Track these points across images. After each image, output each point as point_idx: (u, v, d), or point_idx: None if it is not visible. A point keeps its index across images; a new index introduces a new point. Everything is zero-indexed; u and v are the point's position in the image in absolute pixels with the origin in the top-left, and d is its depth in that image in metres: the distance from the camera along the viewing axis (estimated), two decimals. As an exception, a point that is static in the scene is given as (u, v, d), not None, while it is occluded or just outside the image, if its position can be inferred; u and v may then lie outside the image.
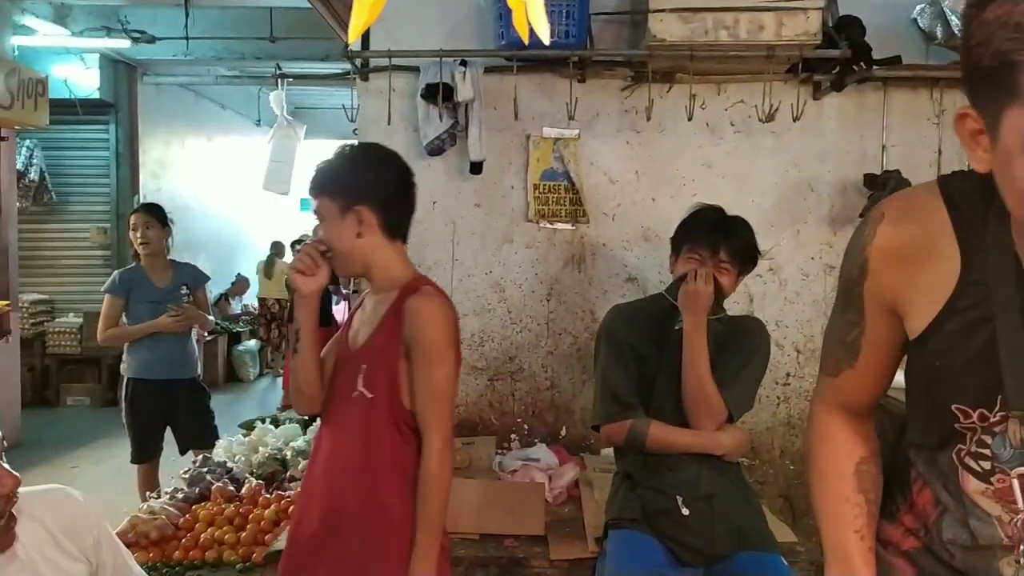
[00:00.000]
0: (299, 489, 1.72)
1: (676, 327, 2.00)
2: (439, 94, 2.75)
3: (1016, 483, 0.93)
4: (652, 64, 2.69)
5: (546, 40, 0.69)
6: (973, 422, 0.95)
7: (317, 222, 1.66)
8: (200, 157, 8.82)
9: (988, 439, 0.95)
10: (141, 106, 7.51)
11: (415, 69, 2.87)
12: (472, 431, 2.96)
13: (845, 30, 2.66)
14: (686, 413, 1.97)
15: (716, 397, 1.94)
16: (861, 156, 2.92)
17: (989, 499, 0.97)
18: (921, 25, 2.72)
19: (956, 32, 2.56)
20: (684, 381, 1.95)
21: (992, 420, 0.94)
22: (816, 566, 2.08)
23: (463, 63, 2.77)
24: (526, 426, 2.99)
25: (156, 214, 3.58)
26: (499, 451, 2.82)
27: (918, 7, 2.73)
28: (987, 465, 0.96)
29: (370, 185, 1.60)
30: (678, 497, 1.93)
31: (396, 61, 2.79)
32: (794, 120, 2.76)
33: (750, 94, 2.88)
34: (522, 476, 2.51)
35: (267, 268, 9.02)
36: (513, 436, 2.95)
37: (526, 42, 0.72)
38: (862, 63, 2.66)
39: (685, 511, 1.91)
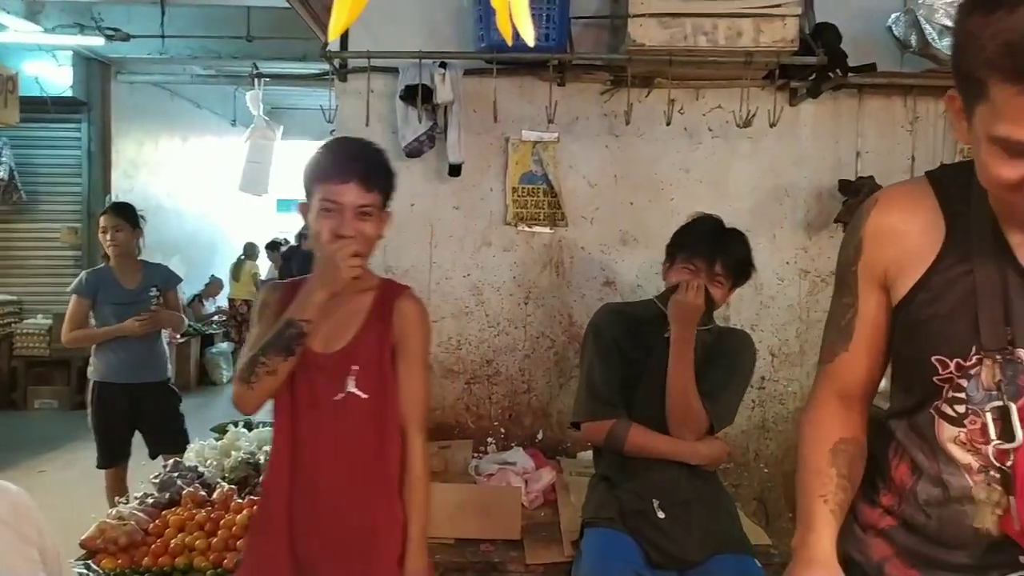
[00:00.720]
0: (268, 498, 1.63)
1: (665, 335, 1.99)
2: (418, 96, 2.73)
3: (989, 415, 1.01)
4: (631, 68, 2.70)
5: (531, 42, 0.68)
6: (950, 372, 1.04)
7: (329, 208, 1.53)
8: (174, 157, 8.71)
9: (964, 382, 1.03)
10: (114, 104, 7.39)
11: (394, 70, 2.85)
12: (448, 435, 2.95)
13: (821, 37, 2.68)
14: (668, 422, 1.97)
15: (699, 409, 1.95)
16: (836, 162, 2.95)
17: (960, 446, 1.05)
18: (896, 33, 2.75)
19: (930, 40, 2.60)
20: (668, 391, 1.95)
21: (967, 365, 1.03)
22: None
23: (442, 65, 2.76)
24: (503, 430, 2.98)
25: (126, 216, 3.51)
26: (475, 455, 2.80)
27: (893, 15, 2.77)
28: (961, 409, 1.04)
29: (395, 186, 1.64)
30: (654, 500, 1.94)
31: (375, 62, 2.77)
32: (771, 126, 2.78)
33: (728, 99, 2.90)
34: (498, 480, 2.50)
35: (235, 270, 8.93)
36: (490, 440, 2.94)
37: (510, 43, 0.71)
38: (838, 70, 2.68)
39: (661, 514, 1.93)
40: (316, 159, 1.59)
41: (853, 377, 1.20)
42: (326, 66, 2.93)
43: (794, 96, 2.91)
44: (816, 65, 2.67)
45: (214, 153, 9.51)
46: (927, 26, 2.59)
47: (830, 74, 2.68)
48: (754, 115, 2.73)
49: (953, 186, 1.08)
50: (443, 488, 2.35)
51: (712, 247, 2.01)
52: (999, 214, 1.03)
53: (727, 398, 2.02)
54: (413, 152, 2.84)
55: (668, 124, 2.78)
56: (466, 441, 2.88)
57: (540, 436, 2.98)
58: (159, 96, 8.27)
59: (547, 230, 2.98)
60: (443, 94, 2.74)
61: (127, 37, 6.35)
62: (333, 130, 3.00)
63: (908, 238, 1.08)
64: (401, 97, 2.81)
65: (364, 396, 1.56)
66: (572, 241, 2.98)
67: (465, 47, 2.85)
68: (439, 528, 2.17)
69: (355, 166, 1.54)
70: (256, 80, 3.18)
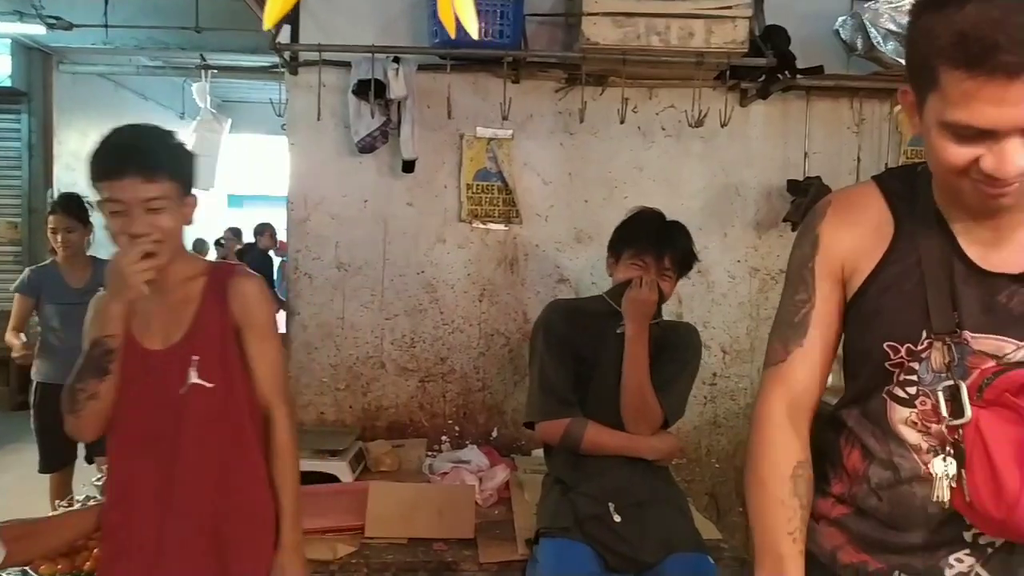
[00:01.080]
0: (114, 508, 1.56)
1: (617, 331, 2.01)
2: (371, 91, 2.70)
3: (941, 395, 1.06)
4: (585, 67, 2.71)
5: (474, 35, 0.68)
6: (901, 357, 1.09)
7: (116, 209, 1.41)
8: (120, 150, 8.46)
9: (915, 365, 1.09)
10: (56, 95, 7.14)
11: (346, 64, 2.81)
12: (402, 433, 2.92)
13: (771, 39, 2.73)
14: (623, 417, 1.98)
15: (654, 403, 1.97)
16: (784, 162, 3.00)
17: (911, 427, 1.10)
18: (843, 36, 2.81)
19: (875, 44, 2.66)
20: (624, 386, 1.96)
21: (918, 350, 1.08)
22: (739, 562, 2.13)
23: (396, 60, 2.73)
24: (457, 428, 2.97)
25: (77, 214, 3.39)
26: (429, 453, 2.79)
27: (840, 19, 2.83)
28: (912, 391, 1.10)
29: (194, 167, 1.55)
30: (610, 504, 1.94)
31: (326, 55, 2.73)
32: (722, 126, 2.82)
33: (680, 99, 2.93)
34: (452, 478, 2.49)
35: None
36: (444, 438, 2.93)
37: (452, 35, 0.70)
38: (786, 72, 2.73)
39: (617, 518, 1.93)
40: (92, 154, 1.45)
41: (804, 375, 1.18)
42: (277, 59, 2.87)
43: (745, 97, 2.96)
44: (765, 67, 2.72)
45: (162, 146, 9.26)
46: (872, 30, 2.65)
47: (779, 76, 2.73)
48: (706, 115, 2.77)
49: (898, 185, 1.15)
50: (396, 487, 2.33)
51: (659, 241, 2.03)
52: (943, 204, 1.09)
53: (678, 391, 2.05)
54: (366, 147, 2.81)
55: (622, 123, 2.80)
56: (420, 439, 2.87)
57: (495, 434, 2.98)
58: (104, 87, 8.02)
59: (502, 227, 2.97)
60: (396, 89, 2.72)
61: (70, 26, 6.13)
62: (284, 124, 2.95)
63: (862, 234, 1.14)
64: (354, 92, 2.77)
65: (209, 385, 1.51)
66: (527, 238, 2.98)
67: (418, 42, 2.83)
68: (392, 528, 2.15)
69: (131, 157, 1.41)
70: (204, 72, 3.10)
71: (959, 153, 0.96)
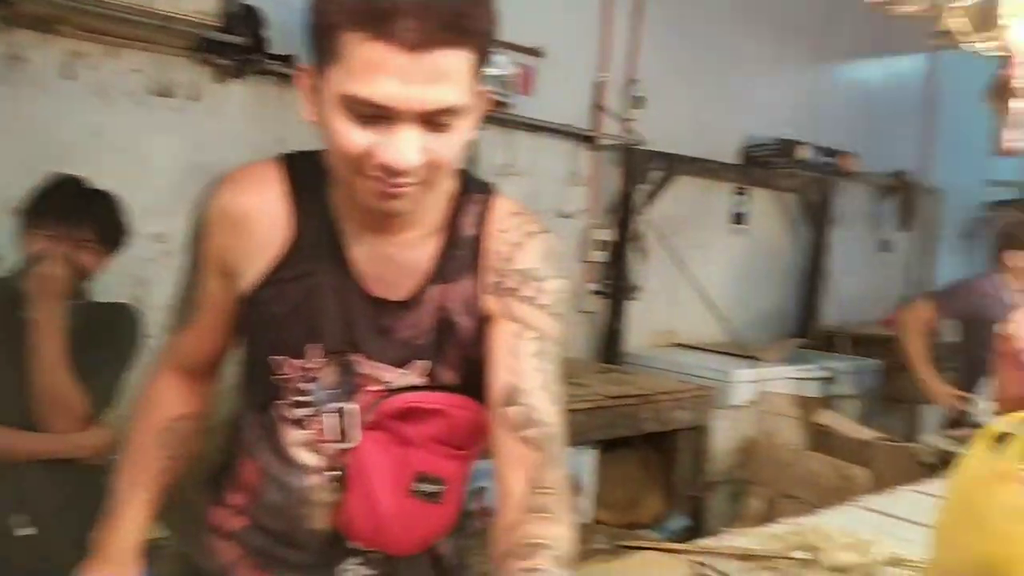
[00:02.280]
0: None
1: (22, 316, 1.78)
2: None
3: (326, 418, 1.03)
4: (21, 5, 2.33)
5: None
6: (289, 373, 1.04)
7: None
8: None
9: (309, 386, 1.04)
10: None
11: None
12: None
13: (246, 19, 2.70)
14: (36, 414, 1.77)
15: (72, 395, 1.78)
16: (262, 144, 2.98)
17: (305, 448, 1.06)
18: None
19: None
20: (34, 378, 1.75)
21: (311, 367, 1.03)
22: (182, 557, 2.06)
23: None
24: None
25: None
26: None
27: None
28: (306, 411, 1.05)
29: None
30: (15, 517, 1.74)
31: None
32: (195, 100, 2.69)
33: (150, 65, 2.70)
34: None
35: None
36: None
37: None
38: (260, 54, 2.74)
39: (29, 530, 1.74)
40: None
41: (196, 349, 1.16)
42: None
43: (222, 73, 2.86)
44: (241, 46, 2.68)
45: None
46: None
47: (251, 57, 2.72)
48: (178, 87, 2.63)
49: (304, 174, 1.05)
50: None
51: (75, 210, 1.87)
52: (340, 210, 1.03)
53: (107, 379, 1.90)
54: None
55: (75, 80, 2.48)
56: None
57: None
58: None
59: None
60: None
61: None
62: None
63: (254, 227, 1.03)
64: None
65: None
66: (-60, 205, 2.44)
67: None
68: None
69: None
70: None
71: (357, 138, 0.87)
